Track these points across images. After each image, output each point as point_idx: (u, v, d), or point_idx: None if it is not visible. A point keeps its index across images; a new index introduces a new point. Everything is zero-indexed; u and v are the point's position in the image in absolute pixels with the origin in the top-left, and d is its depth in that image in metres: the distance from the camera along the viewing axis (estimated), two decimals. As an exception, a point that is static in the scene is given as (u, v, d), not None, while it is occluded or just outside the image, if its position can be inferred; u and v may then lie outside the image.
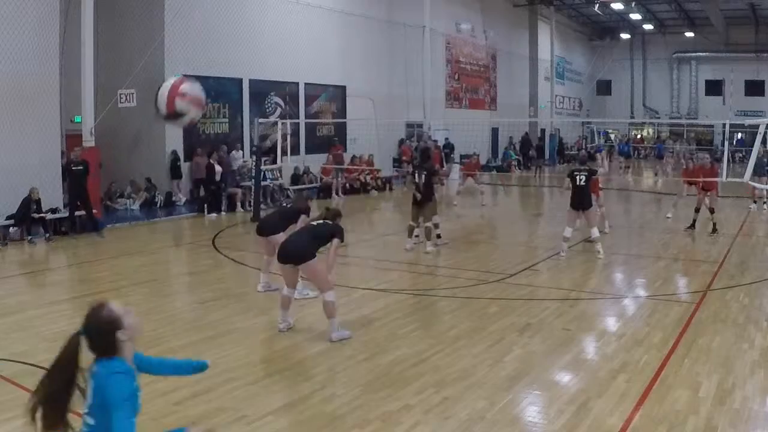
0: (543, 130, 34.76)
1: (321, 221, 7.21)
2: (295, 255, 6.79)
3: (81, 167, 13.33)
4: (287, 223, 8.30)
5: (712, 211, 13.21)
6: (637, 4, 34.61)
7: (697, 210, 13.42)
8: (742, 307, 7.96)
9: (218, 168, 16.54)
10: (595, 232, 10.69)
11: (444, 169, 20.03)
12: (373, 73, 23.36)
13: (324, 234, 7.01)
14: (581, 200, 10.66)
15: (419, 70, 24.72)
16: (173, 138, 16.96)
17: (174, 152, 17.04)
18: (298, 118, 20.43)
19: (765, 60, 38.01)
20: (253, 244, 12.79)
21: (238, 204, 16.96)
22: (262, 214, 15.88)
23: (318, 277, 6.82)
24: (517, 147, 32.35)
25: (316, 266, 6.77)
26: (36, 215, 12.67)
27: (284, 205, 7.94)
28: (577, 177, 10.68)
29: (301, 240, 6.93)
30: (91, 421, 2.76)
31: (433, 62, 25.78)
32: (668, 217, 15.16)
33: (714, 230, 13.04)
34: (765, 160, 15.89)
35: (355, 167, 21.09)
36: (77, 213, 13.46)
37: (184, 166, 17.33)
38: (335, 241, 6.96)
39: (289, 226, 8.17)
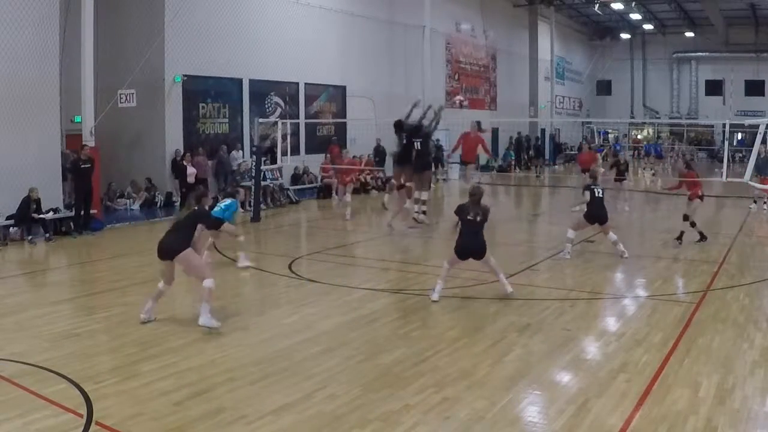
0: (543, 130, 34.74)
1: (188, 211, 7.51)
2: (168, 251, 7.16)
3: (89, 165, 13.50)
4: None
5: None
6: (637, 4, 34.61)
7: None
8: (742, 307, 7.95)
9: (191, 170, 16.12)
10: (612, 236, 10.70)
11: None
12: (373, 73, 23.35)
13: (189, 224, 7.33)
14: (598, 213, 10.66)
15: (419, 70, 24.69)
16: (174, 138, 16.96)
17: (177, 151, 17.01)
18: (298, 118, 20.43)
19: (765, 60, 37.99)
20: (253, 244, 12.85)
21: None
22: (263, 214, 15.94)
23: (194, 268, 7.20)
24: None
25: (189, 257, 7.13)
26: (36, 215, 12.67)
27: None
28: (595, 190, 10.74)
29: (172, 236, 7.25)
30: None
31: (433, 62, 25.78)
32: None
33: None
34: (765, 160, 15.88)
35: (353, 167, 21.01)
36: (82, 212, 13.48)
37: (184, 166, 17.32)
38: (199, 227, 7.45)
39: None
